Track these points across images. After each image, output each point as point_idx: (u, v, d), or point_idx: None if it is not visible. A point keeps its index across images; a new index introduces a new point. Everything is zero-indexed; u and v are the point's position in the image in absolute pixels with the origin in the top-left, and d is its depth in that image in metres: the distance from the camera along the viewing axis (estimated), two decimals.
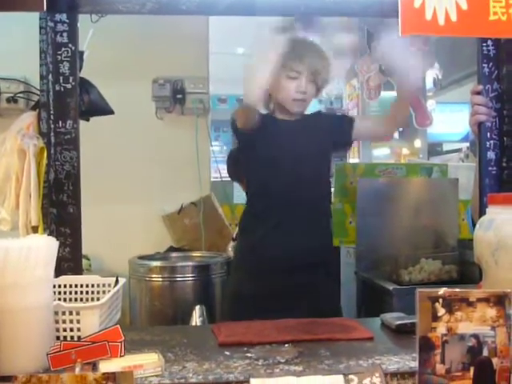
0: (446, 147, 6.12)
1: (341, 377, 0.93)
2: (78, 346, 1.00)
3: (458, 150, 5.26)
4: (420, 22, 1.19)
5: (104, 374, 0.85)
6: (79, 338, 1.12)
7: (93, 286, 1.40)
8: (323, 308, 1.67)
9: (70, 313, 1.15)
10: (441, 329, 0.87)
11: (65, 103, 1.67)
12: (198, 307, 2.41)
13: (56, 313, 1.14)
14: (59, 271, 1.24)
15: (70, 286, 1.39)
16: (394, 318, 1.37)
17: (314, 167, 1.81)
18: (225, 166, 2.45)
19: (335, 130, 1.85)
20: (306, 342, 1.22)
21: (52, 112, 1.66)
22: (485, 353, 0.87)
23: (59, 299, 1.29)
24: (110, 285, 1.38)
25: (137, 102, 2.92)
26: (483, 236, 1.11)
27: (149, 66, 2.93)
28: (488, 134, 1.54)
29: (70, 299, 1.37)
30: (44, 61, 1.68)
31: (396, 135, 5.54)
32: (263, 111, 1.83)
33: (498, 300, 0.88)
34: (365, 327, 1.35)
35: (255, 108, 1.69)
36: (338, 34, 2.13)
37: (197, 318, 2.40)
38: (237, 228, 2.34)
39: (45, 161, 1.64)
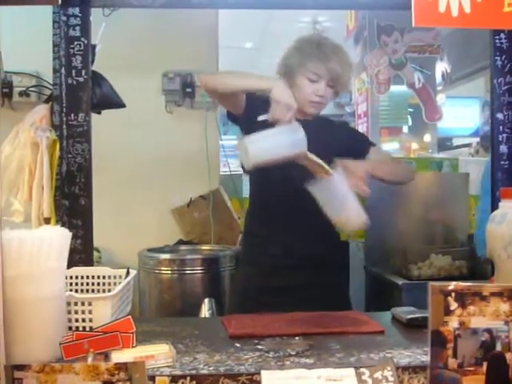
0: (455, 142, 6.08)
1: (352, 370, 0.93)
2: (91, 336, 1.01)
3: (468, 145, 5.22)
4: (433, 13, 1.18)
5: (116, 364, 0.85)
6: (91, 328, 1.12)
7: (104, 277, 1.41)
8: (332, 302, 1.66)
9: (82, 303, 1.16)
10: (453, 323, 0.86)
11: (77, 96, 1.68)
12: (207, 300, 2.41)
13: (68, 303, 1.15)
14: (71, 263, 1.25)
15: (82, 277, 1.40)
16: (405, 311, 1.37)
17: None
18: (234, 160, 2.45)
19: (350, 146, 1.74)
20: (317, 335, 1.22)
21: (64, 105, 1.67)
22: (498, 348, 0.87)
23: (70, 290, 1.30)
24: (120, 276, 1.39)
25: (147, 96, 2.93)
26: (496, 230, 1.10)
27: (159, 59, 2.93)
28: (500, 128, 1.52)
29: (82, 290, 1.38)
30: (57, 54, 1.69)
31: (405, 129, 5.52)
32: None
33: None
34: (376, 321, 1.34)
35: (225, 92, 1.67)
36: None
37: (206, 310, 2.41)
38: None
39: (57, 153, 1.66)
